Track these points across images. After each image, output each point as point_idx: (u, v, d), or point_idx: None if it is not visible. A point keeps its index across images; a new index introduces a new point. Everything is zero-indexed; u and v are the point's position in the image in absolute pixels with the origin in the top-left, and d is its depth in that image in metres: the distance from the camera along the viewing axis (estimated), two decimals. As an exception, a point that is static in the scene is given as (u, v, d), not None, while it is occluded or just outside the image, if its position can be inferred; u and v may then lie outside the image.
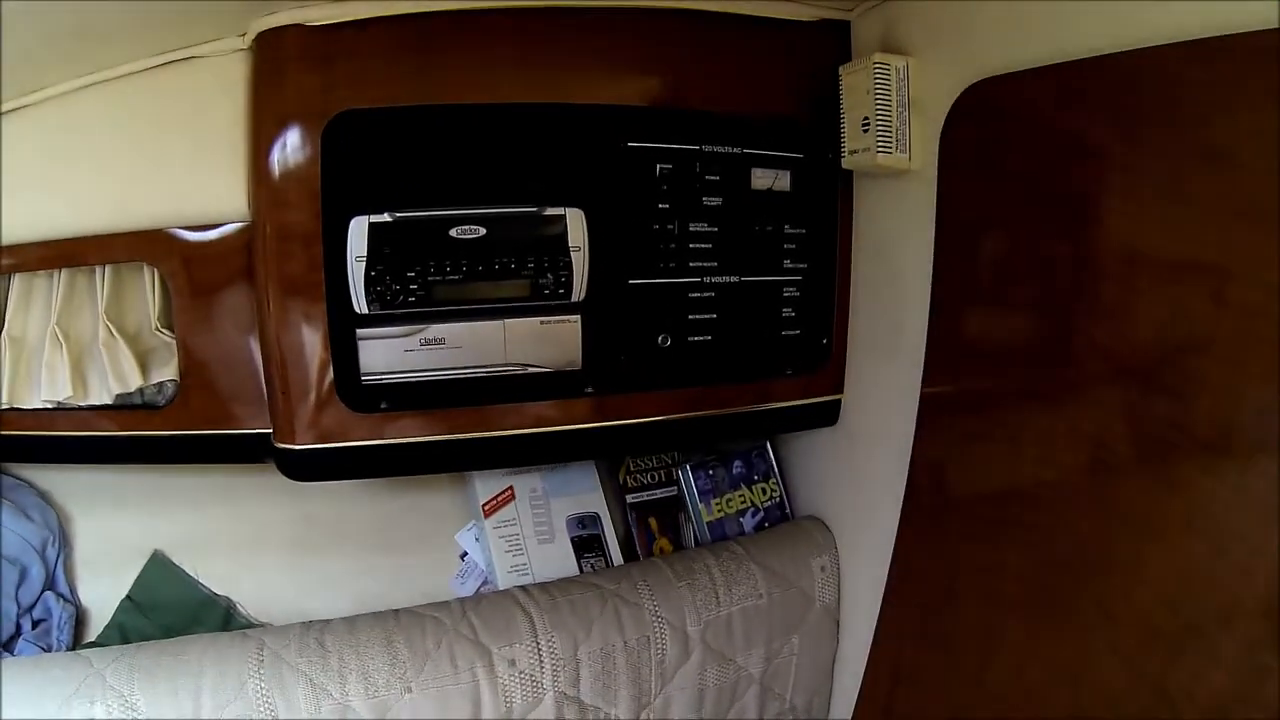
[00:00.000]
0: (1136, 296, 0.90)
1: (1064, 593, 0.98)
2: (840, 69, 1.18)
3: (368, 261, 1.06)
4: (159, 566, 1.33)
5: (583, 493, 1.36)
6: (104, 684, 1.03)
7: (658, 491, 1.44)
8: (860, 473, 1.31)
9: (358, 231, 1.05)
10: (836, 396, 1.31)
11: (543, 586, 1.22)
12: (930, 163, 1.13)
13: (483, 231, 1.09)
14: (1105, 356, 0.95)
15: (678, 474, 1.41)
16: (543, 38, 1.12)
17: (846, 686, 1.36)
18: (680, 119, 1.17)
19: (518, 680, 1.12)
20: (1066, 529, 0.98)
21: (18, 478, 1.34)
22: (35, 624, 1.31)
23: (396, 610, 1.17)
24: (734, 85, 1.20)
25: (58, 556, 1.32)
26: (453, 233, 1.09)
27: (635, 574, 1.24)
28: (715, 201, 1.20)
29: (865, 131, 1.17)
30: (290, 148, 1.04)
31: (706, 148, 1.19)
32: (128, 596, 1.32)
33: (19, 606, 1.29)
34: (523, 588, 1.22)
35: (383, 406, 1.09)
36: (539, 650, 1.13)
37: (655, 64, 1.16)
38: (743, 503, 1.40)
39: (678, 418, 1.21)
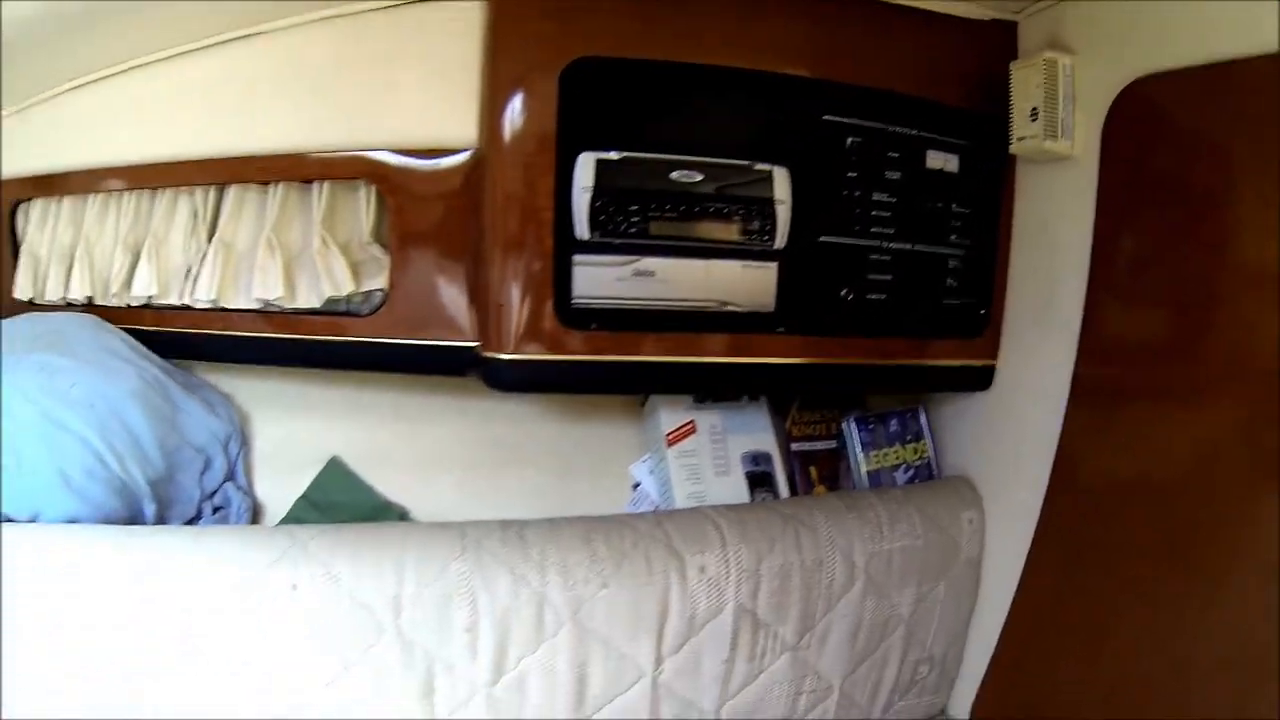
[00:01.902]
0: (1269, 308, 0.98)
1: (1179, 580, 1.07)
2: (1012, 65, 1.32)
3: (593, 193, 1.19)
4: (337, 470, 1.44)
5: (757, 432, 1.47)
6: (308, 553, 1.13)
7: (819, 443, 1.54)
8: (1009, 439, 1.41)
9: (585, 166, 1.19)
10: (991, 363, 1.41)
11: (729, 506, 1.32)
12: (1090, 151, 1.26)
13: (700, 177, 1.23)
14: (1236, 360, 1.04)
15: (841, 426, 1.52)
16: (756, 12, 1.26)
17: (979, 644, 1.44)
18: (870, 98, 1.32)
19: (705, 587, 1.22)
20: (1189, 521, 1.07)
21: (202, 379, 1.47)
22: (215, 510, 1.42)
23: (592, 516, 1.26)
24: (916, 74, 1.34)
25: (238, 452, 1.44)
26: (673, 175, 1.23)
27: (809, 502, 1.35)
28: (895, 176, 1.33)
29: (1033, 120, 1.31)
30: (529, 88, 1.17)
31: (890, 127, 1.33)
32: (304, 496, 1.43)
33: (202, 491, 1.41)
34: (711, 506, 1.31)
35: (592, 327, 1.21)
36: (727, 560, 1.23)
37: (851, 46, 1.31)
38: (896, 459, 1.50)
39: (852, 363, 1.33)
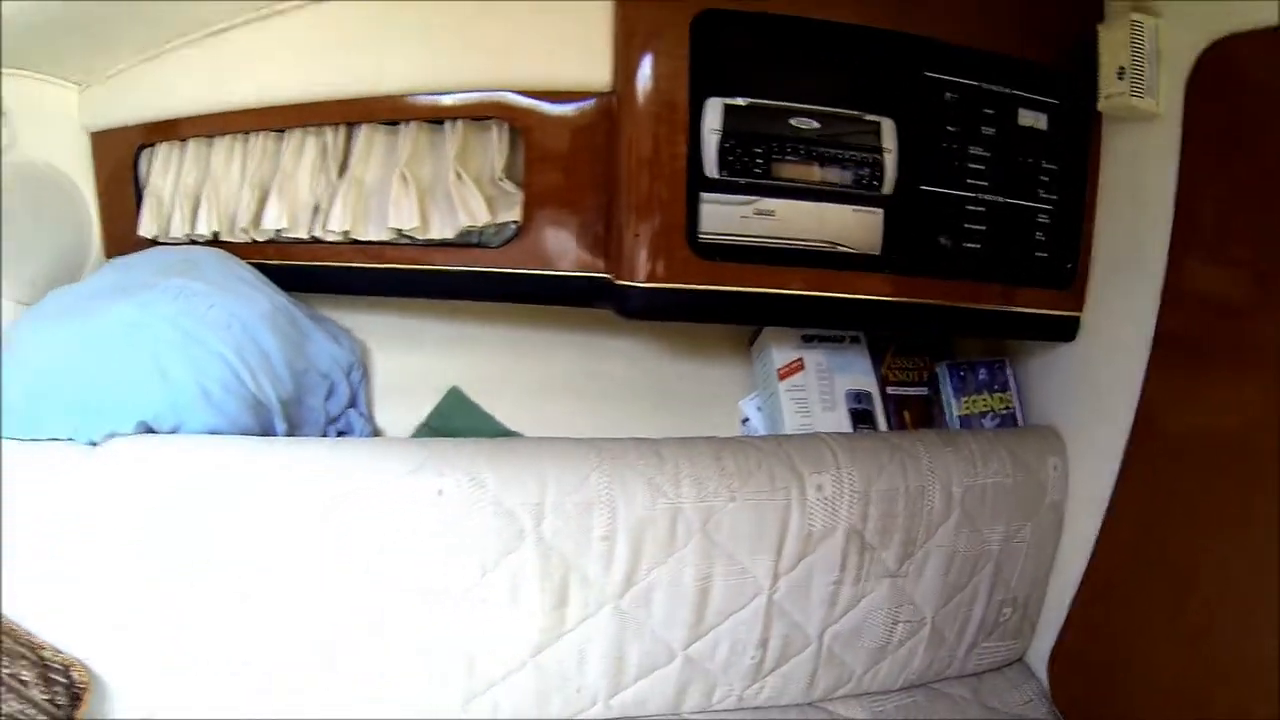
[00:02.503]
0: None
1: (1260, 533, 1.12)
2: (1100, 25, 1.40)
3: (721, 135, 1.27)
4: (456, 399, 1.51)
5: (858, 373, 1.56)
6: (451, 461, 1.19)
7: (912, 389, 1.62)
8: (1093, 389, 1.47)
9: (714, 109, 1.27)
10: (1076, 314, 1.49)
11: (840, 433, 1.39)
12: (1174, 109, 1.32)
13: (817, 125, 1.31)
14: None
15: (935, 372, 1.60)
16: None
17: (1059, 591, 1.50)
18: (965, 57, 1.39)
19: (821, 505, 1.28)
20: (1271, 474, 1.12)
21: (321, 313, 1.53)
22: (339, 434, 1.49)
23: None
24: (1008, 33, 1.41)
25: (360, 380, 1.52)
26: (793, 121, 1.30)
27: (911, 435, 1.42)
28: (990, 131, 1.41)
29: (1120, 79, 1.38)
30: (663, 35, 1.25)
31: (985, 85, 1.41)
32: (425, 423, 1.50)
33: (327, 415, 1.48)
34: (825, 432, 1.38)
35: (717, 259, 1.28)
36: (841, 481, 1.30)
37: (949, 5, 1.38)
38: (985, 406, 1.58)
39: (949, 305, 1.40)
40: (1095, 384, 1.45)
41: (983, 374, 1.59)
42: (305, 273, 1.45)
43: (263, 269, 1.47)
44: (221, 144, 1.51)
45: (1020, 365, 1.64)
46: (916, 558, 1.36)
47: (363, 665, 1.19)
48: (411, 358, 1.55)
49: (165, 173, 1.57)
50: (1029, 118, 1.43)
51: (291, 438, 1.30)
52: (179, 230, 1.53)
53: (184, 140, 1.56)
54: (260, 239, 1.47)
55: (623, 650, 1.26)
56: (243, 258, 1.48)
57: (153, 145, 1.59)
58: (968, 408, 1.57)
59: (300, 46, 1.42)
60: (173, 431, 1.26)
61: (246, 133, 1.49)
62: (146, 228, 1.57)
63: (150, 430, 1.26)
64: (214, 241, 1.51)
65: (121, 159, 1.62)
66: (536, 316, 1.53)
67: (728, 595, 1.27)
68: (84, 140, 1.65)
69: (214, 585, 1.18)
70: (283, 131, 1.46)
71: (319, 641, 1.19)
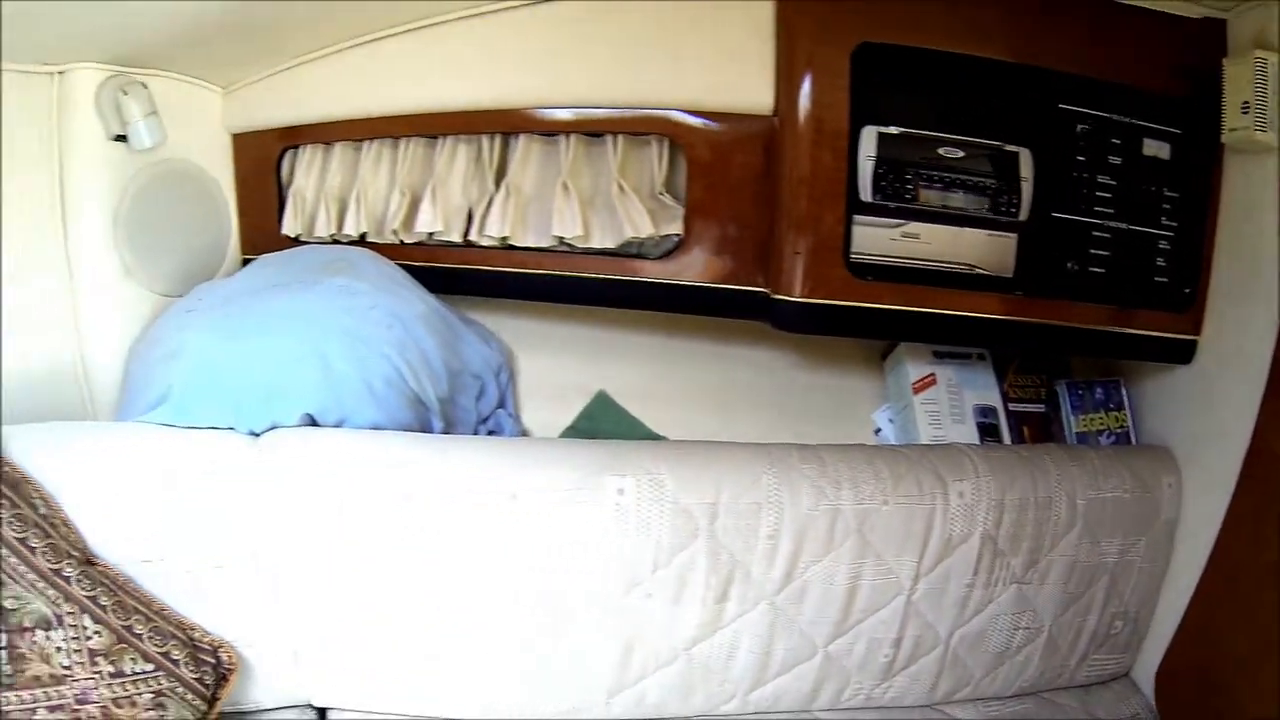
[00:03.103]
0: None
1: None
2: (1225, 60, 1.45)
3: (875, 162, 1.33)
4: (604, 402, 1.58)
5: (984, 389, 1.64)
6: (632, 462, 1.26)
7: (1030, 405, 1.69)
8: (1207, 412, 1.51)
9: (869, 136, 1.34)
10: (1194, 338, 1.54)
11: (975, 444, 1.46)
12: None
13: (961, 154, 1.38)
14: None
15: (1053, 390, 1.68)
16: (1009, 9, 1.40)
17: (1168, 608, 1.55)
18: (1096, 89, 1.45)
19: (962, 511, 1.35)
20: None
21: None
22: (489, 434, 1.55)
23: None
24: (1135, 67, 1.47)
25: (507, 382, 1.58)
26: (940, 151, 1.37)
27: (1039, 448, 1.49)
28: (1116, 161, 1.47)
29: (1244, 114, 1.44)
30: (824, 66, 1.32)
31: (1113, 116, 1.47)
32: (572, 425, 1.56)
33: (478, 415, 1.54)
34: (962, 442, 1.45)
35: (868, 278, 1.35)
36: (979, 489, 1.37)
37: (1082, 40, 1.43)
38: (1101, 424, 1.65)
39: (1075, 326, 1.46)
40: (1210, 406, 1.50)
41: (1099, 393, 1.66)
42: (454, 275, 1.51)
43: (409, 270, 1.52)
44: (370, 148, 1.56)
45: (1134, 386, 1.70)
46: (1041, 566, 1.43)
47: (516, 660, 1.27)
48: (554, 362, 1.62)
49: (309, 174, 1.63)
50: (1153, 147, 1.49)
51: (473, 437, 1.35)
52: (323, 230, 1.59)
53: (329, 144, 1.61)
54: (409, 241, 1.53)
55: (771, 645, 1.33)
56: (390, 259, 1.53)
57: (296, 147, 1.65)
58: (1085, 425, 1.63)
59: (457, 58, 1.48)
60: (338, 425, 1.32)
61: (396, 138, 1.54)
62: (290, 226, 1.63)
63: (314, 423, 1.31)
64: (360, 242, 1.57)
65: (262, 160, 1.68)
66: (676, 325, 1.60)
67: (872, 594, 1.34)
68: (225, 141, 1.70)
69: (373, 577, 1.24)
70: (435, 138, 1.51)
71: (474, 634, 1.26)
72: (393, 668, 1.29)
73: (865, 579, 1.33)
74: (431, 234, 1.50)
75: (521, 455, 1.26)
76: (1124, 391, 1.66)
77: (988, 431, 1.60)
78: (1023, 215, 1.39)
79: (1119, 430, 1.64)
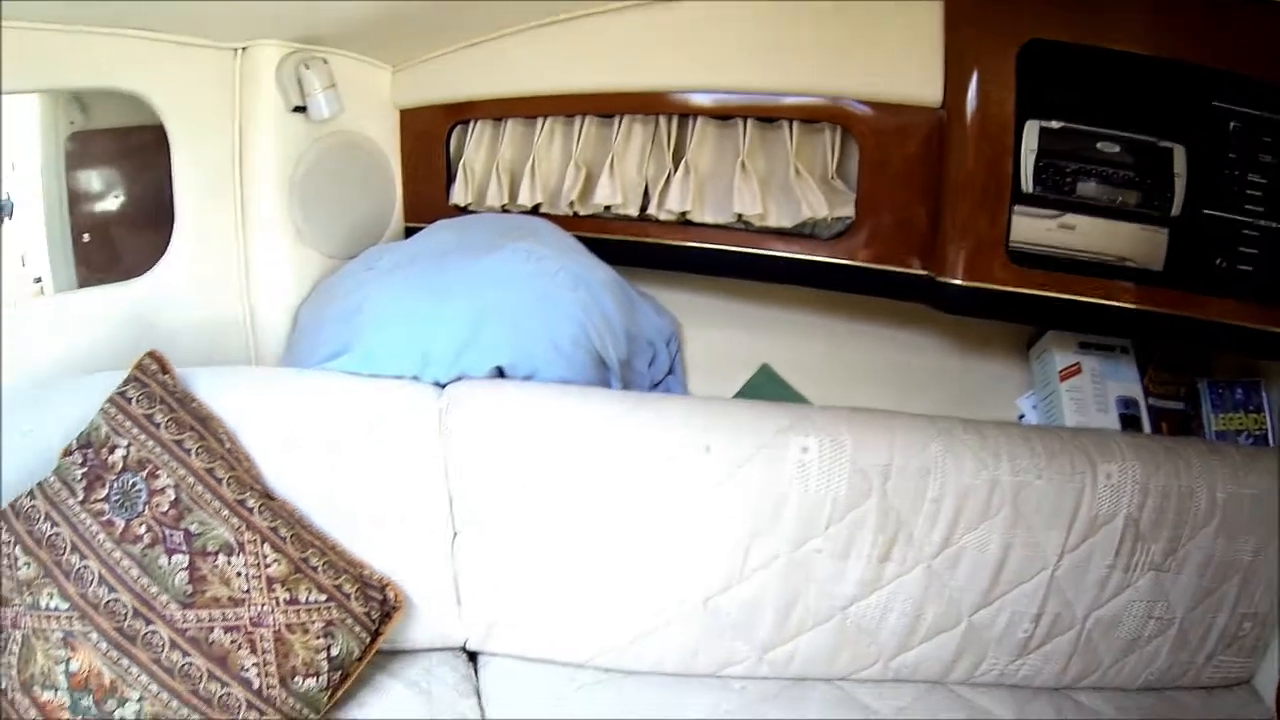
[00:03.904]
0: None
1: None
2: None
3: (1037, 155, 1.39)
4: (767, 375, 1.66)
5: (1127, 381, 1.69)
6: (816, 423, 1.34)
7: (1170, 402, 1.74)
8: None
9: (1032, 131, 1.40)
10: None
11: (1122, 431, 1.50)
12: None
13: (1118, 149, 1.43)
14: None
15: (1194, 388, 1.72)
16: (1165, 6, 1.45)
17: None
18: (1250, 87, 1.47)
19: (1109, 492, 1.40)
20: None
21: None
22: None
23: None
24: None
25: (676, 352, 1.66)
26: (1099, 145, 1.43)
27: (1183, 440, 1.53)
28: (1267, 159, 1.49)
29: (1396, 115, 1.48)
30: (992, 62, 1.39)
31: (1267, 114, 1.50)
32: (737, 394, 1.64)
33: (650, 379, 1.62)
34: (1111, 429, 1.50)
35: (1026, 266, 1.41)
36: (1126, 471, 1.41)
37: (1237, 37, 1.46)
38: (1240, 424, 1.69)
39: (1221, 321, 1.49)
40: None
41: (1239, 393, 1.70)
42: (627, 248, 1.60)
43: (581, 242, 1.61)
44: (544, 124, 1.66)
45: (1274, 389, 1.72)
46: (1179, 555, 1.47)
47: (691, 613, 1.35)
48: (719, 334, 1.71)
49: (479, 147, 1.74)
50: (1304, 148, 1.52)
51: (664, 394, 1.44)
52: (494, 200, 1.70)
53: (499, 119, 1.71)
54: (584, 213, 1.62)
55: (922, 609, 1.39)
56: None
57: (466, 122, 1.75)
58: (1224, 424, 1.67)
59: (636, 43, 1.57)
60: (527, 378, 1.41)
61: (570, 115, 1.64)
62: (459, 196, 1.74)
63: (503, 375, 1.41)
64: (533, 212, 1.67)
65: (428, 133, 1.80)
66: (834, 304, 1.68)
67: (1020, 566, 1.39)
68: (393, 116, 1.81)
69: (551, 526, 1.33)
70: (610, 116, 1.60)
71: (654, 586, 1.34)
72: (557, 616, 1.38)
73: (1015, 549, 1.38)
74: (608, 207, 1.59)
75: (713, 413, 1.35)
76: (1264, 393, 1.70)
77: (1129, 423, 1.65)
78: (1175, 210, 1.43)
79: (1258, 432, 1.67)
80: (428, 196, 1.80)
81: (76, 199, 1.62)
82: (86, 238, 1.62)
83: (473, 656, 1.44)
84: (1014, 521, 1.37)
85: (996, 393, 1.75)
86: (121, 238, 1.70)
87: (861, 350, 1.74)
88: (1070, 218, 1.41)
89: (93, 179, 1.68)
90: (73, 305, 1.55)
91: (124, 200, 1.70)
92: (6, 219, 1.48)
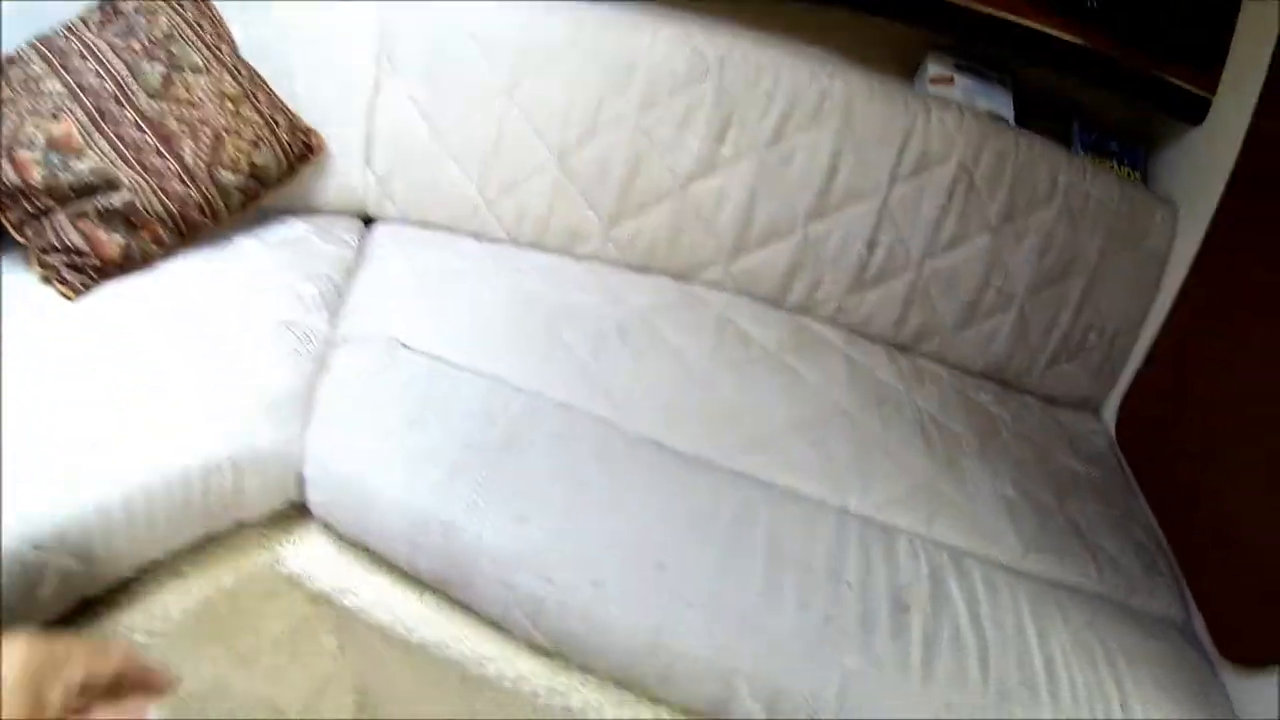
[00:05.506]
0: None
1: None
2: None
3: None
4: None
5: (1000, 107, 1.67)
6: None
7: None
8: (1211, 179, 1.53)
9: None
10: (1209, 96, 1.60)
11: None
12: None
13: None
14: None
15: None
16: None
17: (1141, 351, 1.62)
18: None
19: (941, 131, 1.53)
20: None
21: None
22: None
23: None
24: None
25: None
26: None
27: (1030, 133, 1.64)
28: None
29: None
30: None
31: None
32: None
33: None
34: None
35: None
36: (963, 126, 1.55)
37: None
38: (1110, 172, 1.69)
39: (1092, 48, 1.59)
40: (1214, 172, 1.53)
41: (1114, 145, 1.70)
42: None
43: None
44: None
45: (1160, 162, 1.74)
46: (1016, 225, 1.56)
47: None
48: None
49: None
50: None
51: None
52: None
53: None
54: None
55: (756, 202, 1.53)
56: None
57: None
58: (1094, 165, 1.67)
59: None
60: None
61: None
62: None
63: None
64: None
65: None
66: None
67: (851, 180, 1.52)
68: None
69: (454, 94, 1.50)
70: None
71: (543, 166, 1.50)
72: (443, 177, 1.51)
73: (846, 162, 1.52)
74: None
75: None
76: (1142, 155, 1.73)
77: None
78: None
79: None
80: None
81: None
82: None
83: (368, 222, 1.56)
84: (844, 134, 1.50)
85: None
86: None
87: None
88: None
89: None
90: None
91: None
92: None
